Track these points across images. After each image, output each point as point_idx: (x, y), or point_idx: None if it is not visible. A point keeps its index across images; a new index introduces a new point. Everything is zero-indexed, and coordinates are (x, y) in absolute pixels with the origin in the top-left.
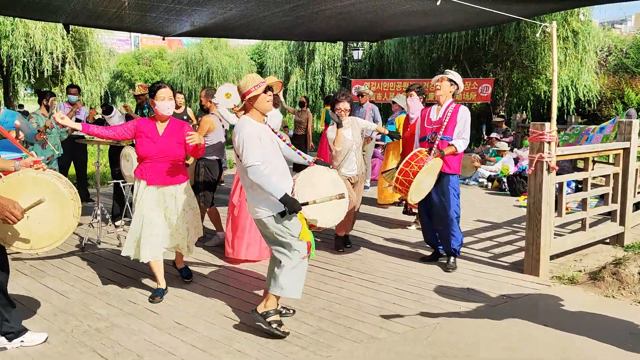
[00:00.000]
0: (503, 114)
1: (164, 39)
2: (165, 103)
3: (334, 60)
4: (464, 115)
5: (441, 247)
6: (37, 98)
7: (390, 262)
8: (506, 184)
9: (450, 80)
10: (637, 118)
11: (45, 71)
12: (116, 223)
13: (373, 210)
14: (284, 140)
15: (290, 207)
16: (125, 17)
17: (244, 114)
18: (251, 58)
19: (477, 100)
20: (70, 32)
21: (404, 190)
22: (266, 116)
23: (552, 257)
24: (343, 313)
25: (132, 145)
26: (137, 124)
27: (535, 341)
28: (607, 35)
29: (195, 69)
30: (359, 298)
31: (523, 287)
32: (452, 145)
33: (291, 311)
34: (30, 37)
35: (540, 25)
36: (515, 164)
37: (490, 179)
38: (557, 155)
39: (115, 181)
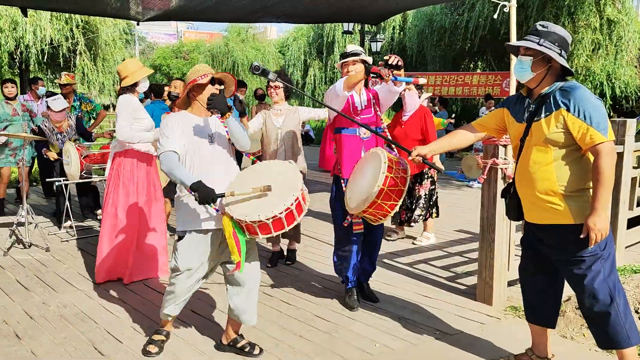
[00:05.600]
0: None
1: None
2: None
3: None
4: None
5: (353, 274)
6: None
7: (327, 278)
8: None
9: (364, 61)
10: None
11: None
12: (64, 224)
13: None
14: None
15: (201, 195)
16: None
17: (186, 108)
18: (279, 51)
19: (500, 95)
20: (82, 24)
21: (389, 208)
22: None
23: (513, 283)
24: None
25: (75, 139)
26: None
27: None
28: None
29: (221, 61)
30: (266, 328)
31: (467, 319)
32: None
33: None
34: (39, 28)
35: (499, 5)
36: None
37: None
38: None
39: (55, 179)
